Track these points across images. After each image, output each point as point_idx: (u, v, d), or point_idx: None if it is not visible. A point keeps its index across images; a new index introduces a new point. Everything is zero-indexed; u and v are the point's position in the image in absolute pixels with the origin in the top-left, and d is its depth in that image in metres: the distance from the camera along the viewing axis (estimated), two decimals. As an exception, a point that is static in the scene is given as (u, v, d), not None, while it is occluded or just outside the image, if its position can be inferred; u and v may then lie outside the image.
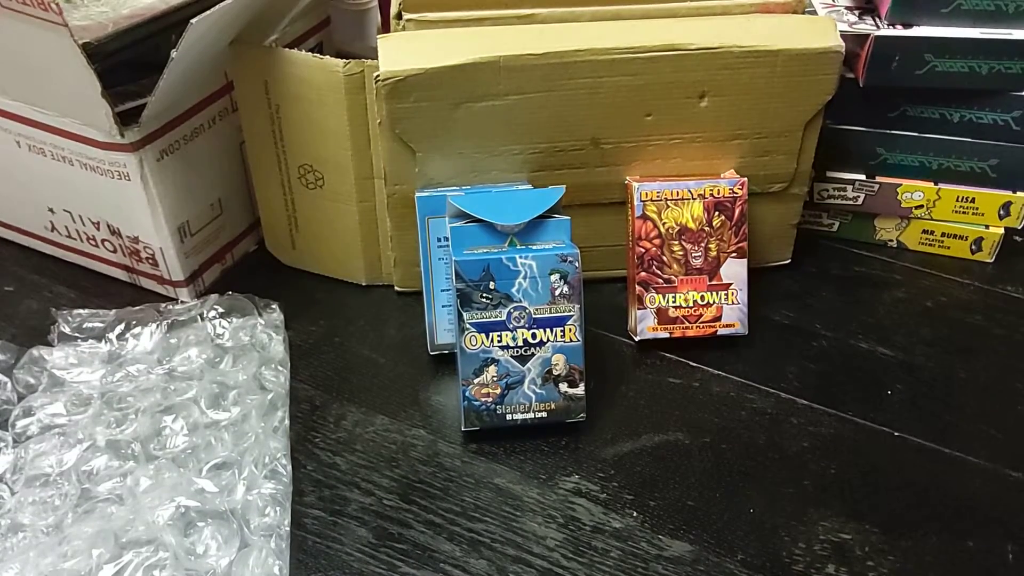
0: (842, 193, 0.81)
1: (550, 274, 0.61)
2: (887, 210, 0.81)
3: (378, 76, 0.63)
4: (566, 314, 0.61)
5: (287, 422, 0.63)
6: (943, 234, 0.82)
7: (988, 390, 0.69)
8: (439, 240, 0.66)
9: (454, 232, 0.62)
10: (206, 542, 0.54)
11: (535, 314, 0.61)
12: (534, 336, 0.61)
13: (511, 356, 0.61)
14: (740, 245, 0.70)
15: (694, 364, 0.70)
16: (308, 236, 0.76)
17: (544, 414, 0.63)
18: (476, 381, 0.62)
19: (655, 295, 0.69)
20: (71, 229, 0.75)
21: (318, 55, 0.66)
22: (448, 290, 0.67)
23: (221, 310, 0.70)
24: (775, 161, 0.72)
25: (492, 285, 0.60)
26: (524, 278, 0.61)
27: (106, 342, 0.68)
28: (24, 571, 0.52)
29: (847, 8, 0.75)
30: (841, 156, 0.79)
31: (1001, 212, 0.79)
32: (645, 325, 0.70)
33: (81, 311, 0.70)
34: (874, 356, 0.72)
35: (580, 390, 0.62)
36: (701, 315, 0.70)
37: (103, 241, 0.74)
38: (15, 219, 0.79)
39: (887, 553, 0.57)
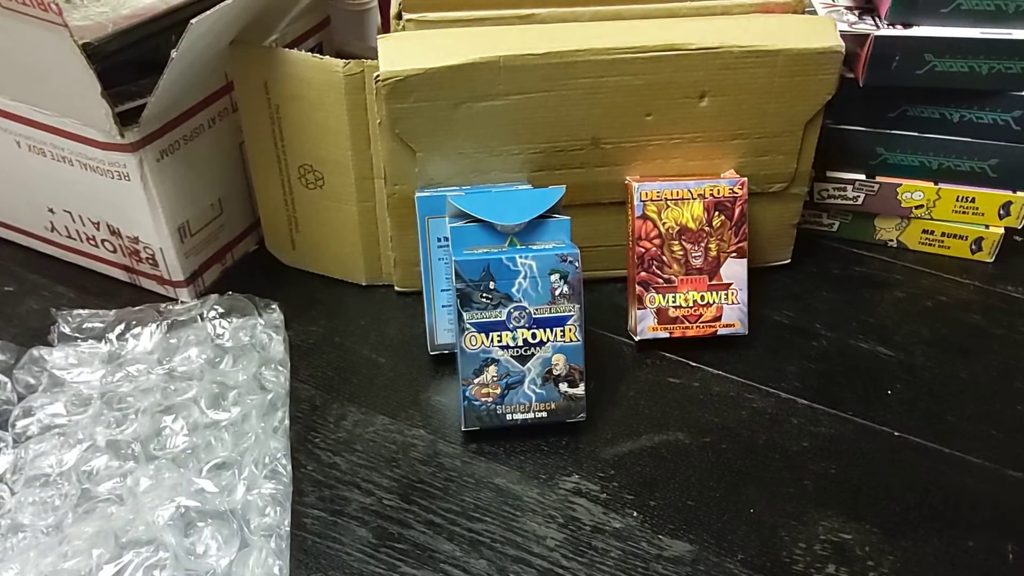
0: (842, 193, 0.81)
1: (550, 274, 0.61)
2: (887, 210, 0.81)
3: (378, 76, 0.63)
4: (566, 314, 0.61)
5: (287, 422, 0.63)
6: (943, 234, 0.82)
7: (988, 390, 0.69)
8: (439, 240, 0.66)
9: (454, 232, 0.62)
10: (206, 542, 0.54)
11: (535, 314, 0.61)
12: (534, 336, 0.61)
13: (511, 356, 0.61)
14: (740, 245, 0.70)
15: (694, 364, 0.70)
16: (308, 236, 0.76)
17: (544, 414, 0.63)
18: (476, 381, 0.62)
19: (655, 295, 0.69)
20: (71, 229, 0.75)
21: (318, 55, 0.66)
22: (448, 290, 0.67)
23: (221, 310, 0.70)
24: (775, 161, 0.72)
25: (492, 285, 0.60)
26: (524, 278, 0.61)
27: (106, 342, 0.68)
28: (24, 571, 0.52)
29: (847, 8, 0.75)
30: (841, 156, 0.79)
31: (1001, 212, 0.79)
32: (645, 325, 0.70)
33: (81, 311, 0.70)
34: (874, 356, 0.72)
35: (580, 390, 0.62)
36: (701, 315, 0.70)
37: (103, 241, 0.74)
38: (15, 219, 0.79)
39: (887, 553, 0.57)
